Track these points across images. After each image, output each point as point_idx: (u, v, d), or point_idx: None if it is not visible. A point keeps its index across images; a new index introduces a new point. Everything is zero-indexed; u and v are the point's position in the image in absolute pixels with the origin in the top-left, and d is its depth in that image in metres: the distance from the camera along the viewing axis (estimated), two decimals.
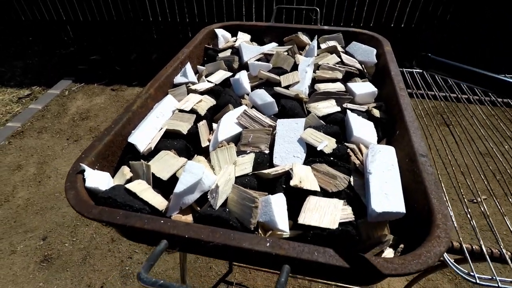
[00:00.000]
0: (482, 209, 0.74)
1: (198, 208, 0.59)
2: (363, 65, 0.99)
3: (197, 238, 0.46)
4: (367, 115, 0.80)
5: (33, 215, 1.92)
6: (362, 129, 0.72)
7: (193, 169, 0.57)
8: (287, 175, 0.60)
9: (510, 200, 0.74)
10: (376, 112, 0.80)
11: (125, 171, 0.61)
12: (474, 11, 2.81)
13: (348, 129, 0.74)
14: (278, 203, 0.53)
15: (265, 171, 0.60)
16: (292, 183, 0.55)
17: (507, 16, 2.77)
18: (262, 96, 0.80)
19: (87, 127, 2.56)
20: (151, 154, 0.66)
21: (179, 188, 0.55)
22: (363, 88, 0.86)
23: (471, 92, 1.10)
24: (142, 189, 0.56)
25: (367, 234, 0.54)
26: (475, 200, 0.82)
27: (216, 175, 0.61)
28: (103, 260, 1.68)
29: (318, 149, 0.63)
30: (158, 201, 0.56)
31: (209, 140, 0.74)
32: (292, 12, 3.08)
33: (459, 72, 0.51)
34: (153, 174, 0.60)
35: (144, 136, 0.67)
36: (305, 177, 0.57)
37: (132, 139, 0.65)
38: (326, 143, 0.65)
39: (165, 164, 0.62)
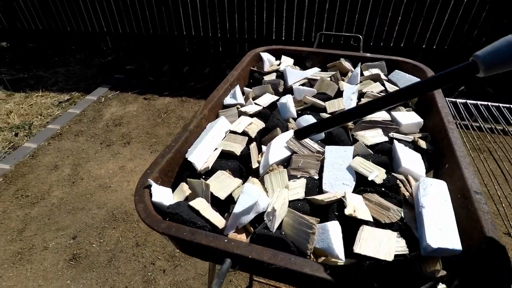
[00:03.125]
0: None
1: (251, 229, 0.62)
2: None
3: (260, 259, 0.49)
4: (413, 145, 0.81)
5: (65, 214, 2.02)
6: (410, 160, 0.73)
7: (251, 191, 0.60)
8: (339, 202, 0.62)
9: None
10: (422, 143, 0.81)
11: (184, 188, 0.65)
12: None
13: (395, 159, 0.75)
14: (334, 231, 0.55)
15: (318, 198, 0.62)
16: (346, 212, 0.57)
17: None
18: (310, 122, 0.83)
19: (120, 133, 2.68)
20: (208, 173, 0.70)
21: (238, 208, 0.58)
22: (408, 118, 0.87)
23: None
24: (204, 207, 0.59)
25: (420, 268, 0.55)
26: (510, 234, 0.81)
27: (269, 197, 0.64)
28: (127, 264, 1.73)
29: (369, 179, 0.65)
30: (217, 219, 0.59)
31: (258, 162, 0.77)
32: (330, 38, 3.13)
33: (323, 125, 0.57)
34: (211, 192, 0.63)
35: (201, 155, 0.72)
36: (358, 206, 0.59)
37: (191, 157, 0.69)
38: (376, 173, 0.66)
39: (222, 184, 0.66)
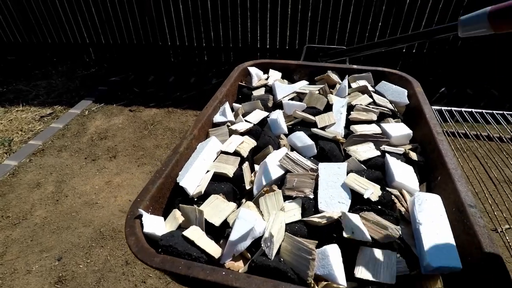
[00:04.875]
0: (505, 240, 0.74)
1: (248, 254, 0.60)
2: (393, 105, 1.02)
3: None
4: (404, 158, 0.82)
5: (49, 234, 1.94)
6: (403, 174, 0.73)
7: (246, 216, 0.59)
8: (337, 222, 0.61)
9: None
10: (414, 155, 0.82)
11: (177, 215, 0.63)
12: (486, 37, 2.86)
13: (388, 173, 0.75)
14: (334, 256, 0.54)
15: (316, 219, 0.61)
16: (345, 234, 0.56)
17: None
18: (302, 138, 0.82)
19: (105, 147, 2.61)
20: (201, 197, 0.68)
21: (234, 236, 0.57)
22: (397, 129, 0.88)
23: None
24: (198, 236, 0.57)
25: (421, 286, 0.55)
26: (497, 230, 0.82)
27: (265, 221, 0.63)
28: (116, 284, 1.67)
29: (365, 197, 0.65)
30: (213, 248, 0.57)
31: (252, 182, 0.76)
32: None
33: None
34: (205, 219, 0.61)
35: (193, 179, 0.70)
36: (356, 227, 0.58)
37: (183, 182, 0.67)
38: (372, 191, 0.66)
39: (216, 209, 0.64)
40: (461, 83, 3.21)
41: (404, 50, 3.12)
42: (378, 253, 0.55)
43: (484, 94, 3.12)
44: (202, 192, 0.68)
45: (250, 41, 3.35)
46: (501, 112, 1.17)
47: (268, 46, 3.36)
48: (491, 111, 1.15)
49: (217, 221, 0.61)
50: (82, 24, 3.47)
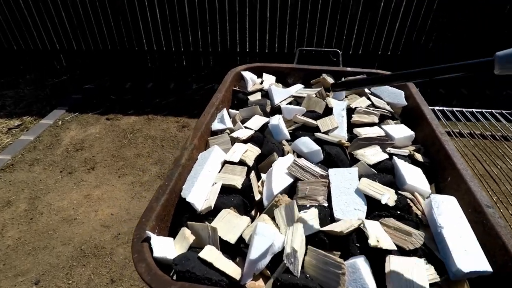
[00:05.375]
0: None
1: (268, 272, 0.56)
2: (390, 106, 1.02)
3: None
4: (410, 159, 0.81)
5: (24, 256, 1.79)
6: (413, 177, 0.72)
7: (265, 232, 0.55)
8: (358, 231, 0.59)
9: None
10: (419, 157, 0.81)
11: (187, 234, 0.58)
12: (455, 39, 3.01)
13: (398, 176, 0.74)
14: (365, 269, 0.51)
15: (337, 229, 0.58)
16: (371, 243, 0.54)
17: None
18: (308, 144, 0.80)
19: (82, 158, 2.47)
20: (210, 212, 0.63)
21: (254, 254, 0.52)
22: (400, 131, 0.88)
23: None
24: (216, 257, 0.52)
25: None
26: None
27: (282, 234, 0.59)
28: None
29: (383, 202, 0.63)
30: (232, 269, 0.52)
31: (260, 192, 0.72)
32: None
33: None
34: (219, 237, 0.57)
35: (200, 194, 0.64)
36: (379, 234, 0.56)
37: (190, 198, 0.62)
38: (388, 196, 0.64)
39: (229, 225, 0.59)
40: (434, 83, 3.35)
41: (380, 53, 3.20)
42: (406, 261, 0.53)
43: (455, 93, 3.27)
44: (212, 207, 0.63)
45: (230, 45, 3.31)
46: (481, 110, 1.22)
47: (247, 50, 3.34)
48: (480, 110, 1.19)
49: (232, 238, 0.57)
50: (52, 29, 3.27)
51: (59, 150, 2.54)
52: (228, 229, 0.58)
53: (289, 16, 3.05)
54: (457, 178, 0.68)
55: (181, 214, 0.64)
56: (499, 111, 1.23)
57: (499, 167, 1.06)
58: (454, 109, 1.15)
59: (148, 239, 0.53)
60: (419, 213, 0.65)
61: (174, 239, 0.59)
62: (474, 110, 1.15)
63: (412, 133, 0.87)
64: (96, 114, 2.97)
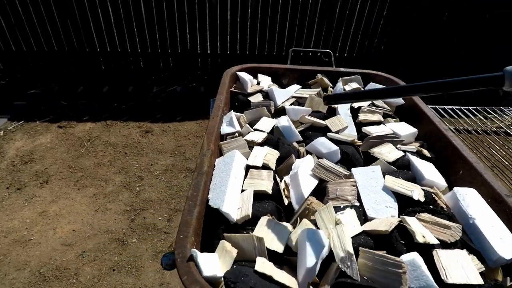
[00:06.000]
0: None
1: (316, 278, 0.53)
2: (386, 105, 1.05)
3: None
4: (418, 155, 0.84)
5: None
6: (429, 172, 0.75)
7: (316, 238, 0.52)
8: (398, 229, 0.59)
9: None
10: (426, 152, 0.85)
11: (228, 247, 0.52)
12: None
13: (415, 172, 0.76)
14: (424, 265, 0.50)
15: (381, 228, 0.57)
16: (419, 239, 0.54)
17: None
18: (326, 144, 0.78)
19: (32, 172, 2.19)
20: (247, 222, 0.58)
21: (310, 261, 0.49)
22: (403, 129, 0.91)
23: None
24: (271, 269, 0.48)
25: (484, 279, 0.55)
26: None
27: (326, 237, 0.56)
28: None
29: (415, 198, 0.64)
30: (289, 280, 0.48)
31: (286, 196, 0.69)
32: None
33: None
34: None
35: (232, 202, 0.59)
36: (423, 231, 0.56)
37: (225, 208, 0.56)
38: (418, 191, 0.65)
39: (272, 233, 0.55)
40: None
41: (337, 54, 3.35)
42: (451, 254, 0.54)
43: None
44: (250, 216, 0.58)
45: (190, 47, 3.20)
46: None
47: (209, 52, 3.26)
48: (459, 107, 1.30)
49: (279, 248, 0.53)
50: None
51: (3, 164, 2.22)
52: (272, 238, 0.54)
53: (250, 15, 3.05)
54: (471, 171, 0.72)
55: (215, 226, 0.58)
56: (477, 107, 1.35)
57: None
58: (440, 106, 1.24)
59: (192, 258, 0.47)
60: (444, 206, 0.67)
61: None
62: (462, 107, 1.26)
63: (415, 130, 0.91)
64: (46, 122, 2.65)
